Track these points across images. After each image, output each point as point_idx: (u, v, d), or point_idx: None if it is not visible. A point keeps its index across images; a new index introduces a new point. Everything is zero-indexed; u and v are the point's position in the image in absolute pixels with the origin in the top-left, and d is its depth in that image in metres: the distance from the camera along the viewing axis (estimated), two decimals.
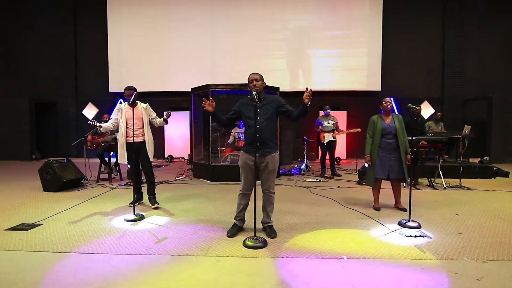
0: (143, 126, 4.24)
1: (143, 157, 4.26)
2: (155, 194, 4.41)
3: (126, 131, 4.16)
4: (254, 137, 3.05)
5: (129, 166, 6.40)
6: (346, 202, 4.54)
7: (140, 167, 4.36)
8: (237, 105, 3.24)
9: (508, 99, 9.09)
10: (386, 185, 4.19)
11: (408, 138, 4.65)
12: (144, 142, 4.23)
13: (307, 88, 2.91)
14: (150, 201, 4.34)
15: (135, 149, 4.15)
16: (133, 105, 4.16)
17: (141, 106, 4.29)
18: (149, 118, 4.32)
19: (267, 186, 3.17)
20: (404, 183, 4.14)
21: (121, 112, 4.19)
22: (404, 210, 3.92)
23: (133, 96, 4.00)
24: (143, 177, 4.49)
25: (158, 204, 4.32)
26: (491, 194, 5.05)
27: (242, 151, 3.24)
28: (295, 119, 3.14)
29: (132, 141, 4.06)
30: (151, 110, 4.38)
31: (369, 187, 4.23)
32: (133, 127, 3.99)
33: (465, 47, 10.12)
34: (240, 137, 7.08)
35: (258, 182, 3.16)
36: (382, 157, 3.99)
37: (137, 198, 4.36)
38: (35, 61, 11.03)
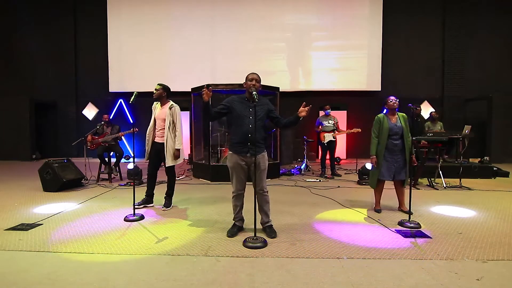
0: (164, 128, 4.11)
1: (163, 159, 4.14)
2: (170, 197, 4.32)
3: (153, 129, 4.17)
4: (246, 137, 3.03)
5: (129, 167, 6.43)
6: (346, 202, 4.54)
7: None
8: (228, 100, 3.16)
9: (508, 99, 9.10)
10: (386, 186, 4.18)
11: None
12: (163, 144, 4.10)
13: (305, 104, 2.93)
14: (164, 202, 4.30)
15: (156, 150, 4.15)
16: (162, 104, 4.18)
17: (167, 106, 4.15)
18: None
19: (261, 186, 3.14)
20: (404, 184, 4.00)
21: (154, 110, 4.24)
22: (407, 212, 3.72)
23: (133, 96, 3.90)
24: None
25: (167, 208, 4.22)
26: (491, 194, 5.05)
27: (230, 152, 3.16)
28: (282, 126, 3.17)
29: (156, 141, 4.14)
30: (176, 114, 4.14)
31: (371, 188, 4.14)
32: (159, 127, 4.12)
33: (465, 47, 10.12)
34: None
35: (249, 183, 3.15)
36: (388, 159, 3.86)
37: (146, 200, 4.32)
38: (35, 61, 11.03)
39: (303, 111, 2.94)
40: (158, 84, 4.19)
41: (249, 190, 3.18)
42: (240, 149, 3.08)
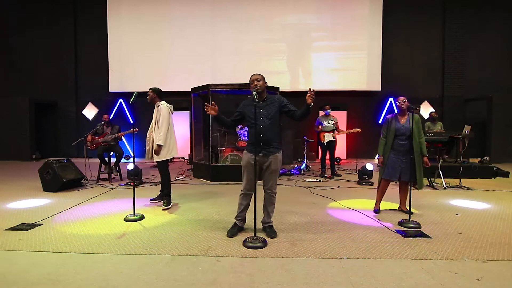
0: (155, 126, 4.26)
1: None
2: (168, 196, 4.34)
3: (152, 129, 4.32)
4: (257, 137, 3.06)
5: (129, 167, 6.44)
6: (346, 202, 4.53)
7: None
8: (241, 106, 3.26)
9: (508, 99, 9.10)
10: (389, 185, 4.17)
11: None
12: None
13: (310, 89, 2.89)
14: (163, 202, 4.35)
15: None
16: (155, 105, 4.31)
17: (156, 105, 4.30)
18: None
19: (269, 186, 3.18)
20: (417, 187, 3.96)
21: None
22: (407, 212, 3.71)
23: (133, 96, 3.97)
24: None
25: (166, 207, 4.23)
26: (491, 194, 5.06)
27: (245, 150, 3.24)
28: (298, 119, 3.12)
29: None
30: (161, 111, 4.20)
31: (371, 187, 4.12)
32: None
33: (465, 47, 10.12)
34: (240, 136, 7.07)
35: (259, 182, 3.16)
36: (393, 159, 3.85)
37: (159, 196, 4.53)
38: (35, 61, 11.03)
39: (308, 97, 2.88)
40: (149, 89, 4.34)
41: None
42: (253, 148, 3.11)
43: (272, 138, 3.11)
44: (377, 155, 3.95)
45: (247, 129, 3.49)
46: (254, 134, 3.08)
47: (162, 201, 4.37)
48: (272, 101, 3.17)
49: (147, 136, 4.34)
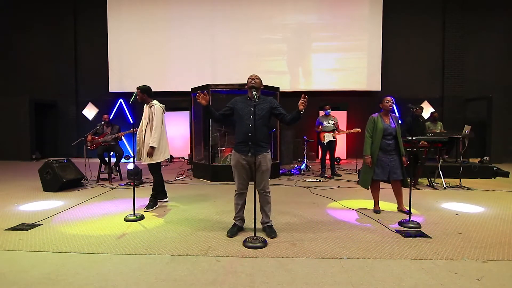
0: (147, 127, 4.15)
1: None
2: (152, 197, 4.24)
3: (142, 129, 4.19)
4: (246, 136, 3.05)
5: (129, 167, 6.45)
6: (346, 203, 4.53)
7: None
8: (232, 101, 3.22)
9: (508, 99, 9.10)
10: (385, 185, 4.18)
11: (409, 138, 4.65)
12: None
13: (303, 95, 2.90)
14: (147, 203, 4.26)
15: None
16: (147, 104, 4.20)
17: (149, 105, 4.18)
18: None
19: (262, 186, 3.16)
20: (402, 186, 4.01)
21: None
22: (407, 212, 3.69)
23: (133, 96, 3.98)
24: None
25: (147, 209, 4.10)
26: (491, 194, 5.05)
27: (233, 150, 3.21)
28: (287, 123, 3.14)
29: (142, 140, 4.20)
30: (155, 112, 4.08)
31: (364, 188, 4.11)
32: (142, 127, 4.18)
33: (465, 47, 10.13)
34: None
35: (252, 182, 3.16)
36: (382, 159, 3.88)
37: (159, 196, 4.42)
38: (35, 61, 11.03)
39: (300, 104, 2.91)
40: (136, 88, 4.13)
41: (250, 190, 3.19)
42: (241, 148, 3.11)
43: (261, 137, 3.10)
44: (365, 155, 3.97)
45: None
46: (244, 133, 3.07)
47: (163, 200, 4.37)
48: (264, 101, 3.17)
49: (137, 136, 4.19)
